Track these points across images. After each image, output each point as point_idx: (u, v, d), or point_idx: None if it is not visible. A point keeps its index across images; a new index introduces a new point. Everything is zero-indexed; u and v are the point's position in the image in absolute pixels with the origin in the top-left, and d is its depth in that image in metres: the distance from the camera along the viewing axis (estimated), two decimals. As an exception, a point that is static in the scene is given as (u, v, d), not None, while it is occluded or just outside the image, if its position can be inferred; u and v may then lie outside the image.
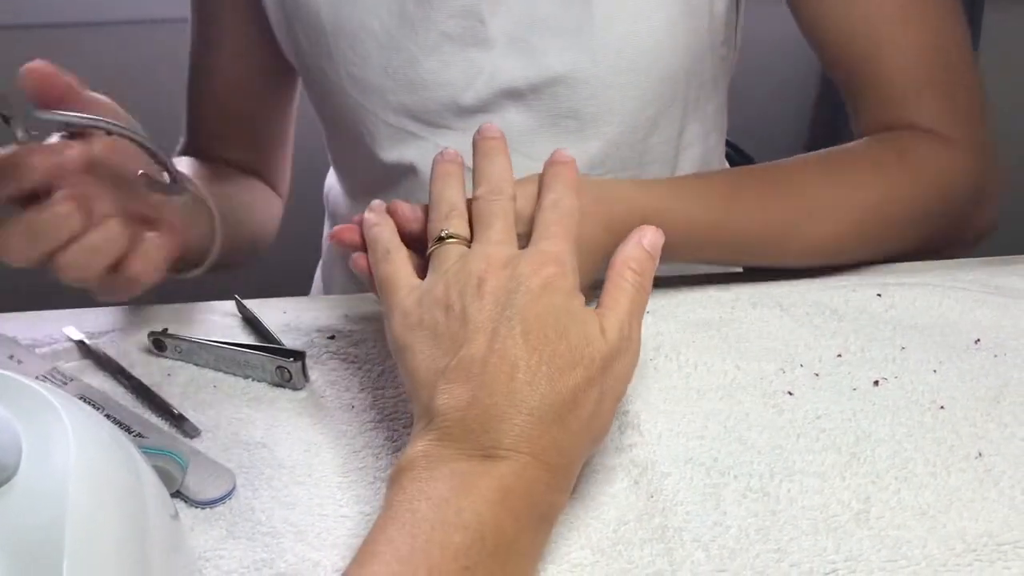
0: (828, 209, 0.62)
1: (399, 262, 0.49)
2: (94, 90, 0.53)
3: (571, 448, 0.42)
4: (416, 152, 0.73)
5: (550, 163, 0.52)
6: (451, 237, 0.49)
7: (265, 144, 0.86)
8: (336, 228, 0.54)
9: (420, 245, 0.51)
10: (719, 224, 0.60)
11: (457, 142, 0.55)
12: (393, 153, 0.74)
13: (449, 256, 0.48)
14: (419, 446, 0.41)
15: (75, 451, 0.34)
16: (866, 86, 0.69)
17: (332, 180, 0.87)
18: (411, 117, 0.72)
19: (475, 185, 0.51)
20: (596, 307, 0.45)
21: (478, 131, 0.53)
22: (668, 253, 0.58)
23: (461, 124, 0.71)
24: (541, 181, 0.51)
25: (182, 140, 0.84)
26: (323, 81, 0.73)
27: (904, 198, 0.64)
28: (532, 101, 0.70)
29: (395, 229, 0.52)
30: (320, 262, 0.94)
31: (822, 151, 0.66)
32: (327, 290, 0.91)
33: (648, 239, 0.48)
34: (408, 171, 0.74)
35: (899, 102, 0.67)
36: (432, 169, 0.53)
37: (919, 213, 0.65)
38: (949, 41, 0.68)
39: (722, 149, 0.83)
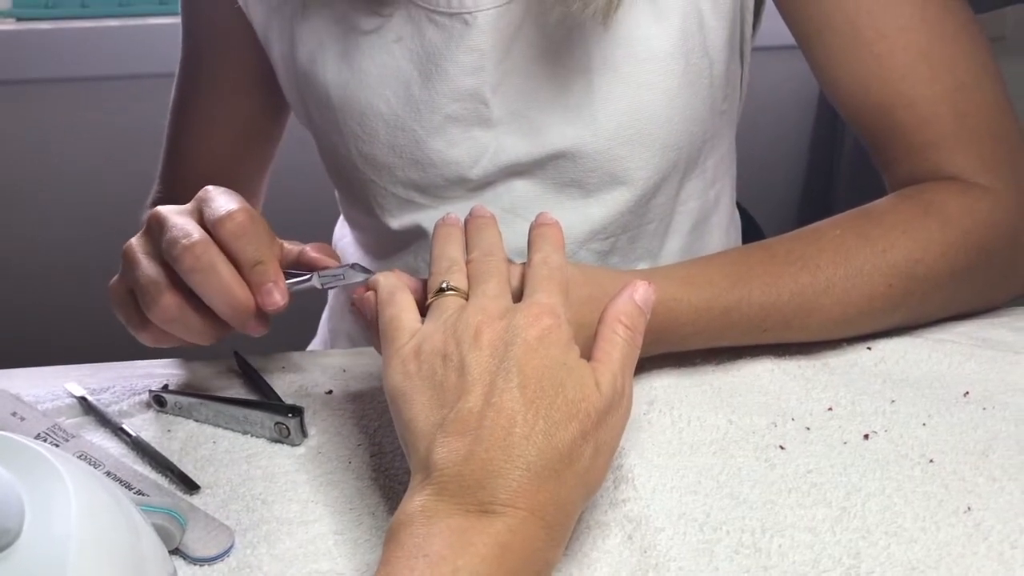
0: (849, 279, 0.59)
1: (404, 303, 0.50)
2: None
3: (567, 503, 0.43)
4: (425, 217, 0.74)
5: (536, 225, 0.54)
6: (451, 289, 0.50)
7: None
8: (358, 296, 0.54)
9: (421, 312, 0.52)
10: (731, 309, 0.58)
11: (465, 211, 0.57)
12: (402, 221, 0.76)
13: (448, 307, 0.49)
14: (417, 501, 0.42)
15: (76, 514, 0.35)
16: (887, 138, 0.66)
17: (343, 230, 0.89)
18: (419, 191, 0.73)
19: (468, 251, 0.53)
20: (588, 360, 0.46)
21: (470, 213, 0.55)
22: (683, 341, 0.59)
23: (469, 196, 0.72)
24: (528, 242, 0.53)
25: (156, 189, 0.85)
26: (333, 152, 0.76)
27: (935, 257, 0.61)
28: (537, 172, 0.71)
29: (401, 280, 0.53)
30: (326, 309, 0.95)
31: (842, 215, 0.63)
32: (333, 340, 0.91)
33: (640, 294, 0.48)
34: (417, 234, 0.76)
35: (923, 152, 0.65)
36: (433, 232, 0.55)
37: (957, 268, 0.61)
38: (974, 81, 0.64)
39: (729, 198, 0.82)
